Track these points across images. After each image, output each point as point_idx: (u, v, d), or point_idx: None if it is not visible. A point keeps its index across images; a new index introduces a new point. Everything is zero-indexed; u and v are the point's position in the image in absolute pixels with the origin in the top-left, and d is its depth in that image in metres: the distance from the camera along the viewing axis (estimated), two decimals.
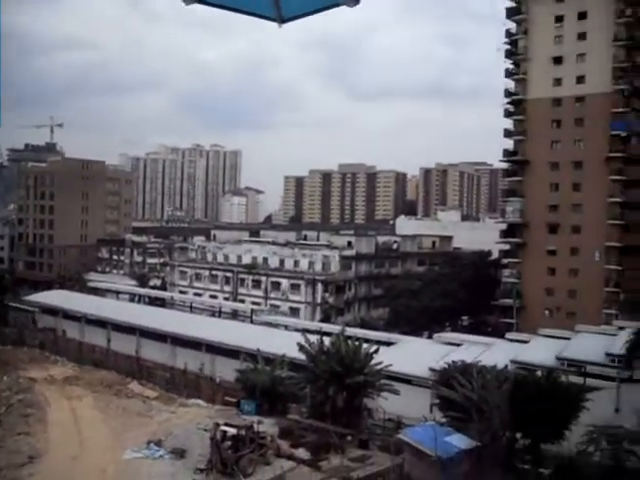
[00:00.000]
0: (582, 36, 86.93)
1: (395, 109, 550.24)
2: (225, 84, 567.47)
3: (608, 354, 47.00)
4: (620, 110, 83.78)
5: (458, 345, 54.17)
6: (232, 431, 33.52)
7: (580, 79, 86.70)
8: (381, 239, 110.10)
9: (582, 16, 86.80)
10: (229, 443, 33.19)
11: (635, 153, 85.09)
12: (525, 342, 54.05)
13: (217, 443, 32.69)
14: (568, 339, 52.60)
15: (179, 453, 35.10)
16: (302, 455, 35.45)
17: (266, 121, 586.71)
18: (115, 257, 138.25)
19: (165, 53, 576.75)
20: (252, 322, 73.13)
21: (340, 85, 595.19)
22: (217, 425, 34.26)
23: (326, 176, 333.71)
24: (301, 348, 42.51)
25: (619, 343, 43.23)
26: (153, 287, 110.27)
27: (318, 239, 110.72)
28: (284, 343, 50.04)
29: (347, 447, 36.72)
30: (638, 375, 45.35)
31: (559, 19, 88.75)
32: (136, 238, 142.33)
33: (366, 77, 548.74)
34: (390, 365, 42.13)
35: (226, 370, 52.76)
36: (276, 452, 34.84)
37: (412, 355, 52.30)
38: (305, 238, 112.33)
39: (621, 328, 50.23)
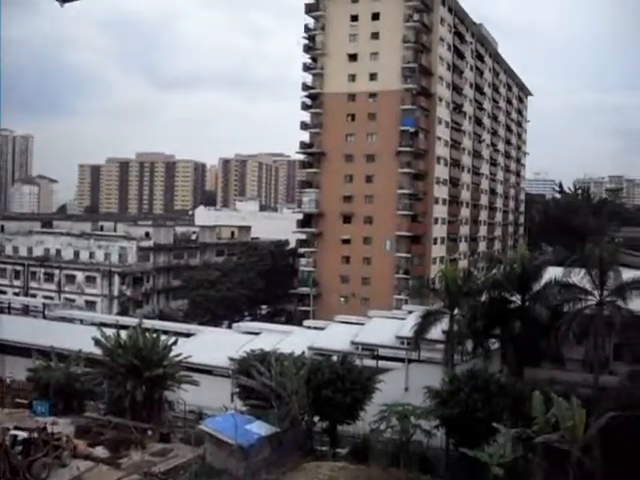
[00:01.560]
0: (375, 36, 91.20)
1: (196, 98, 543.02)
2: (24, 65, 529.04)
3: (398, 337, 49.47)
4: (409, 107, 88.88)
5: (257, 334, 54.38)
6: (23, 435, 31.24)
7: (373, 76, 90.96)
8: (180, 230, 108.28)
9: (376, 17, 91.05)
10: (20, 448, 30.91)
11: (422, 148, 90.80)
12: (322, 329, 55.38)
13: (6, 449, 30.28)
14: (362, 324, 54.64)
15: None
16: (100, 454, 33.99)
17: (65, 106, 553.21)
18: None
19: None
20: (45, 317, 68.76)
21: (142, 72, 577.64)
22: (6, 430, 31.80)
23: (123, 165, 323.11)
24: (97, 342, 40.66)
25: (408, 326, 45.53)
26: None
27: (115, 230, 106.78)
28: (79, 338, 47.41)
29: (148, 442, 35.69)
30: (424, 355, 48.29)
31: (354, 18, 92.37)
32: None
33: (168, 65, 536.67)
34: (190, 356, 41.52)
35: (17, 370, 49.09)
36: (73, 453, 33.04)
37: (212, 345, 51.78)
38: (101, 229, 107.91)
39: (410, 312, 52.96)
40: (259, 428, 33.23)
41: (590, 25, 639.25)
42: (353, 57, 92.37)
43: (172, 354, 40.35)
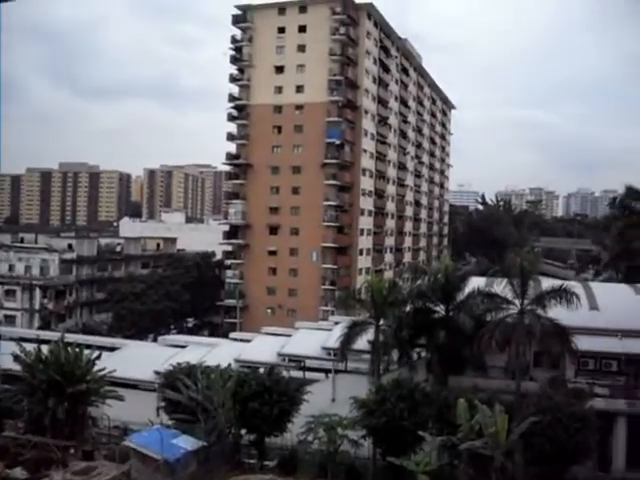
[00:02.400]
0: (302, 48, 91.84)
1: (122, 108, 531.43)
2: None
3: (325, 348, 49.74)
4: (335, 119, 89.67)
5: (183, 347, 53.79)
6: None
7: (300, 88, 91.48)
8: (104, 241, 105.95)
9: (302, 29, 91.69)
10: None
11: (348, 160, 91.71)
12: (248, 341, 55.17)
13: None
14: (289, 336, 54.67)
15: None
16: (19, 475, 32.71)
17: None
18: None
19: None
20: None
21: (65, 80, 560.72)
22: None
23: (45, 175, 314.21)
24: (16, 358, 39.26)
25: (334, 337, 45.82)
26: None
27: (36, 242, 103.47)
28: None
29: (70, 460, 34.56)
30: (351, 366, 48.61)
31: (281, 30, 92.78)
32: None
33: (93, 74, 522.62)
34: (114, 371, 40.51)
35: None
36: None
37: (137, 359, 50.91)
38: (22, 241, 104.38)
39: (337, 323, 53.29)
40: (185, 442, 32.70)
41: (511, 42, 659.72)
42: (280, 69, 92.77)
43: (96, 369, 39.26)
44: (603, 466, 40.99)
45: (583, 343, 39.81)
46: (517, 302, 39.12)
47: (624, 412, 41.34)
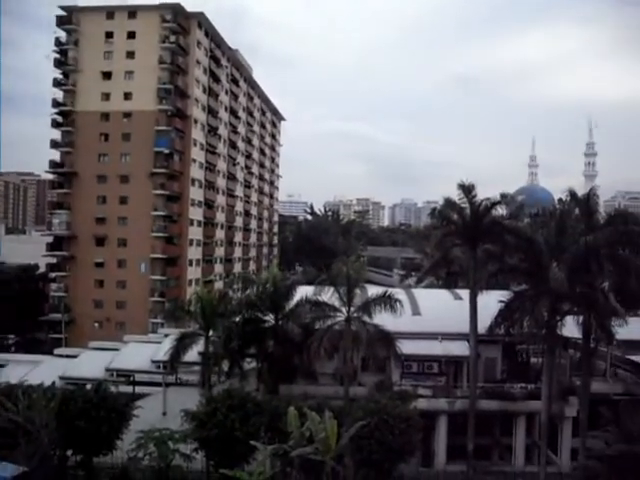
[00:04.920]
0: (131, 55, 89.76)
1: None
2: None
3: (154, 361, 49.03)
4: (164, 128, 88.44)
5: (2, 366, 51.01)
6: None
7: (128, 96, 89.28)
8: None
9: (131, 36, 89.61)
10: None
11: (177, 169, 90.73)
12: (74, 357, 53.24)
13: None
14: (117, 350, 53.36)
15: None
16: None
17: None
18: None
19: None
20: None
21: None
22: None
23: None
24: None
25: (164, 350, 45.29)
26: None
27: None
28: None
29: None
30: (182, 378, 48.28)
31: (110, 35, 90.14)
32: None
33: None
34: None
35: None
36: None
37: None
38: None
39: (166, 335, 52.72)
40: (4, 470, 30.95)
41: (341, 57, 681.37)
42: (107, 75, 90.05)
43: None
44: (426, 462, 43.67)
45: (407, 347, 42.17)
46: (344, 310, 40.59)
47: (445, 410, 44.28)
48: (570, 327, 39.52)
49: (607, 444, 35.68)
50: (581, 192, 42.68)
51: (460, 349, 45.21)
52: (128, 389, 45.64)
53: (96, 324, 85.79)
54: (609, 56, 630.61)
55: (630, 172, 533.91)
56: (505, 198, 43.83)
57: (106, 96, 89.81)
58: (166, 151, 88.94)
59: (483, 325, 40.55)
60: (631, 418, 36.06)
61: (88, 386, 39.34)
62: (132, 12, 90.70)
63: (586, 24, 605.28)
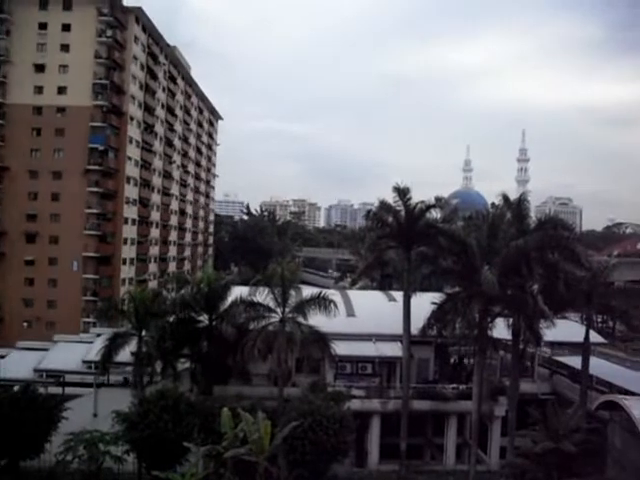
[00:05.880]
0: (66, 48, 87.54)
1: None
2: None
3: (85, 361, 48.15)
4: (99, 124, 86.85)
5: None
6: None
7: (62, 90, 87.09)
8: None
9: (66, 28, 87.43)
10: None
11: (112, 167, 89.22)
12: (2, 357, 51.84)
13: None
14: (47, 350, 52.21)
15: None
16: None
17: None
18: None
19: None
20: None
21: None
22: None
23: None
24: None
25: (96, 350, 44.45)
26: None
27: None
28: None
29: None
30: (115, 379, 47.51)
31: (43, 26, 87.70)
32: None
33: None
34: None
35: None
36: None
37: None
38: None
39: (99, 335, 51.79)
40: None
41: (279, 56, 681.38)
42: (41, 68, 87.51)
43: None
44: (360, 462, 44.19)
45: (341, 348, 42.45)
46: (279, 310, 40.56)
47: (378, 411, 44.84)
48: (500, 329, 40.52)
49: (534, 442, 36.82)
50: (514, 197, 43.91)
51: (393, 350, 45.81)
52: (58, 390, 44.64)
53: (25, 323, 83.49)
54: (542, 64, 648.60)
55: (561, 178, 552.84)
56: (440, 201, 44.33)
57: (39, 89, 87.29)
58: (101, 148, 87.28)
59: (416, 326, 41.21)
60: (557, 417, 37.30)
61: (16, 388, 38.37)
62: (67, 3, 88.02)
63: (522, 33, 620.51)
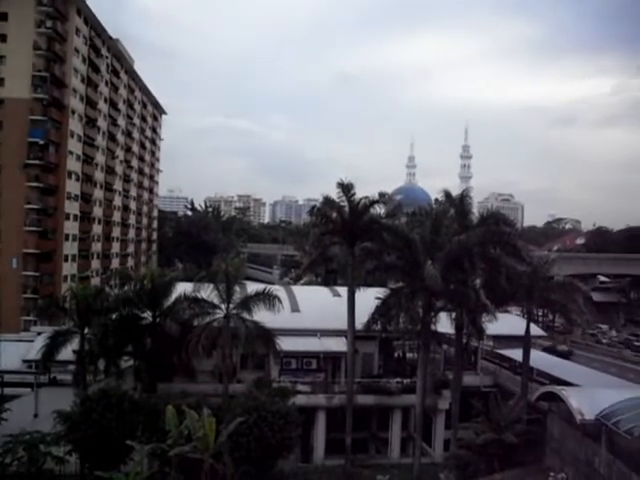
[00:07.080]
0: (3, 38, 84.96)
1: None
2: None
3: (25, 361, 47.14)
4: (39, 118, 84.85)
5: None
6: None
7: None
8: None
9: (3, 18, 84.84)
10: None
11: (52, 161, 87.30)
12: None
13: None
14: None
15: None
16: None
17: None
18: None
19: None
20: None
21: None
22: None
23: None
24: None
25: (36, 348, 43.61)
26: None
27: None
28: None
29: None
30: (58, 378, 46.63)
31: None
32: None
33: None
34: None
35: None
36: None
37: None
38: None
39: (39, 333, 50.77)
40: None
41: (227, 51, 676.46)
42: None
43: None
44: (305, 457, 44.39)
45: (286, 344, 42.55)
46: (223, 306, 40.47)
47: (323, 406, 45.08)
48: (444, 323, 41.15)
49: (477, 434, 37.60)
50: (457, 193, 44.59)
51: (338, 345, 46.14)
52: None
53: None
54: (488, 63, 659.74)
55: (504, 175, 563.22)
56: (383, 197, 44.91)
57: None
58: (41, 142, 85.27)
59: (361, 321, 41.55)
60: (498, 409, 38.14)
61: None
62: None
63: (470, 32, 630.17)
